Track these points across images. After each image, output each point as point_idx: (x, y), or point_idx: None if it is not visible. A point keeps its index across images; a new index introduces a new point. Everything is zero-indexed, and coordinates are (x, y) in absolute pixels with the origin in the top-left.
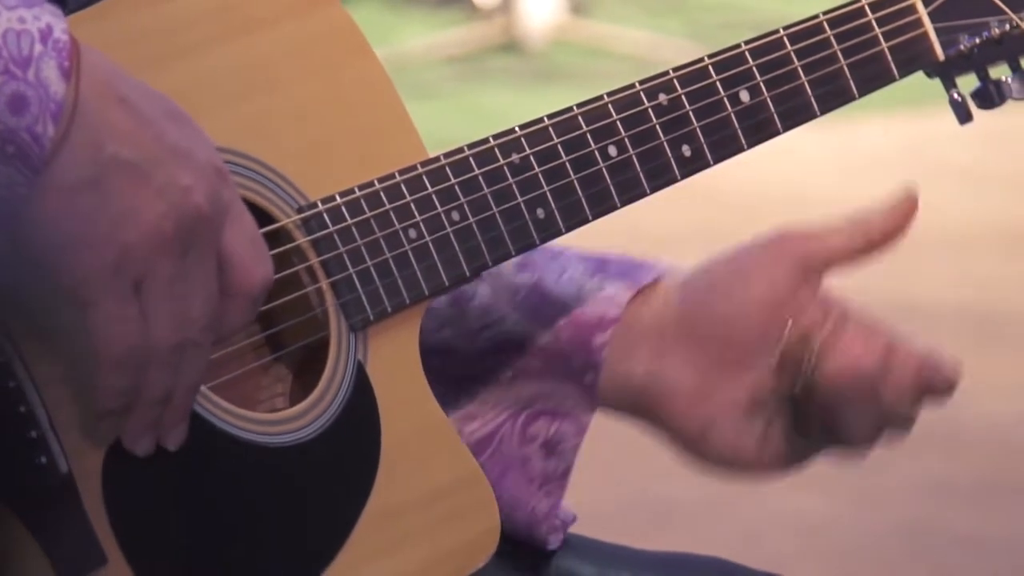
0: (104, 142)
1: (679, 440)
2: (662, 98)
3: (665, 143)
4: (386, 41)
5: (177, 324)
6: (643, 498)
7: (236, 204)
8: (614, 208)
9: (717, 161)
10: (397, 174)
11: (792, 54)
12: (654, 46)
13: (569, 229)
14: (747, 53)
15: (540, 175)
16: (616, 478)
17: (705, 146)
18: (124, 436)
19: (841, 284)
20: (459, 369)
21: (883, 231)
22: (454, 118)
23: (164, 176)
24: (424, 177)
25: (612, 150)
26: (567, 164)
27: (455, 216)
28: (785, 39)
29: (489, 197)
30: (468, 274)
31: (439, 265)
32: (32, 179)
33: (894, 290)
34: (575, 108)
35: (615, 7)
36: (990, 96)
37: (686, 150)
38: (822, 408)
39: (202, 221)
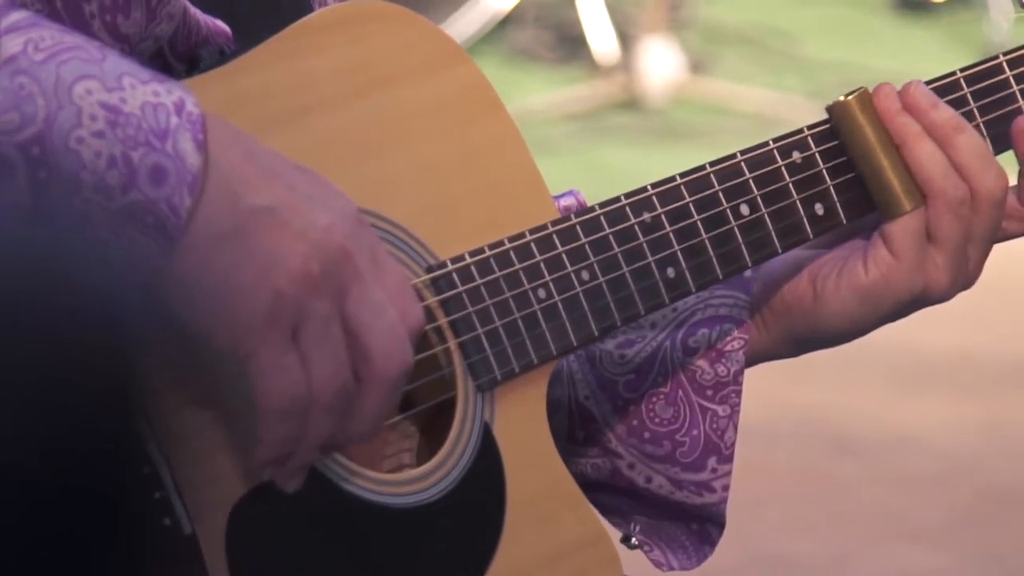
0: (239, 193)
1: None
2: (796, 156)
3: (798, 202)
4: (507, 98)
5: (339, 368)
6: (763, 554)
7: (378, 246)
8: (745, 268)
9: (849, 220)
10: (527, 233)
11: None
12: (773, 104)
13: (700, 289)
14: None
15: (671, 234)
16: (736, 533)
17: (838, 205)
18: (278, 477)
19: (953, 342)
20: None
21: None
22: (574, 175)
23: (302, 220)
24: (554, 236)
25: (744, 209)
26: (699, 223)
27: (585, 275)
28: None
29: (619, 256)
30: (597, 334)
31: (568, 325)
32: (168, 249)
33: (1008, 348)
34: (708, 166)
35: (734, 65)
36: None
37: (819, 209)
38: None
39: (349, 259)
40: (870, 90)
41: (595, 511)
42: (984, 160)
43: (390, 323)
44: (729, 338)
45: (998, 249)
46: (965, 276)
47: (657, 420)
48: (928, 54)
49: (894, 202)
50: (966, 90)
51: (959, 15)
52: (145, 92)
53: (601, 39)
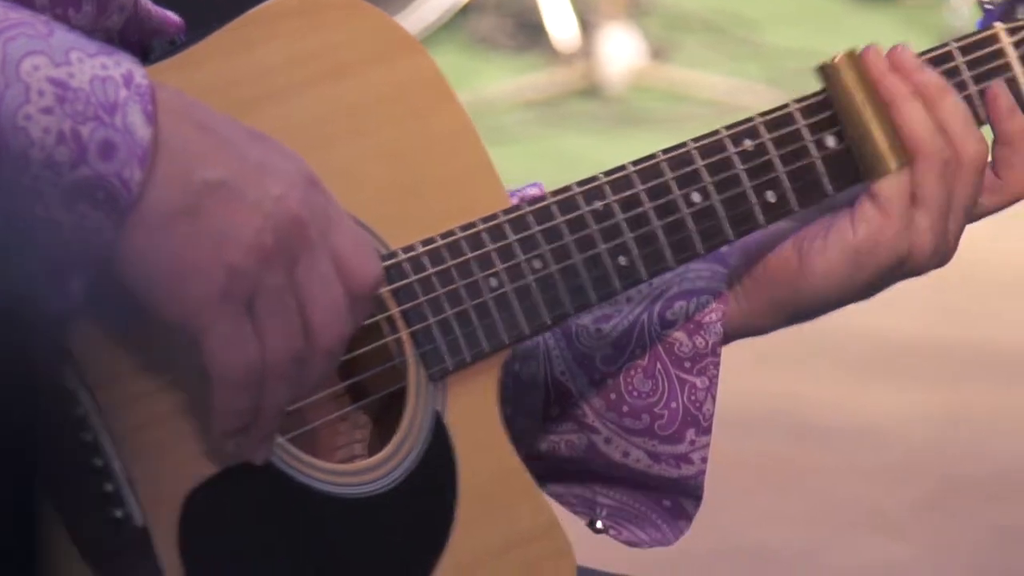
0: (191, 168)
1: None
2: (747, 144)
3: (750, 189)
4: (467, 86)
5: (293, 337)
6: (736, 545)
7: (333, 207)
8: (697, 255)
9: (802, 207)
10: (479, 222)
11: None
12: (733, 91)
13: (652, 276)
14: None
15: (623, 222)
16: (710, 523)
17: (790, 192)
18: (243, 449)
19: (920, 330)
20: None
21: None
22: (534, 162)
23: (255, 190)
24: (506, 225)
25: (696, 197)
26: (650, 211)
27: (537, 264)
28: None
29: (571, 245)
30: (549, 322)
31: (520, 314)
32: (120, 223)
33: (974, 336)
34: (659, 154)
35: (694, 52)
36: None
37: (770, 196)
38: None
39: (302, 228)
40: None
41: (548, 501)
42: (968, 124)
43: (333, 297)
44: (707, 309)
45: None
46: (945, 248)
47: (635, 393)
48: (888, 41)
49: (880, 160)
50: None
51: (919, 1)
52: (93, 65)
53: (561, 26)
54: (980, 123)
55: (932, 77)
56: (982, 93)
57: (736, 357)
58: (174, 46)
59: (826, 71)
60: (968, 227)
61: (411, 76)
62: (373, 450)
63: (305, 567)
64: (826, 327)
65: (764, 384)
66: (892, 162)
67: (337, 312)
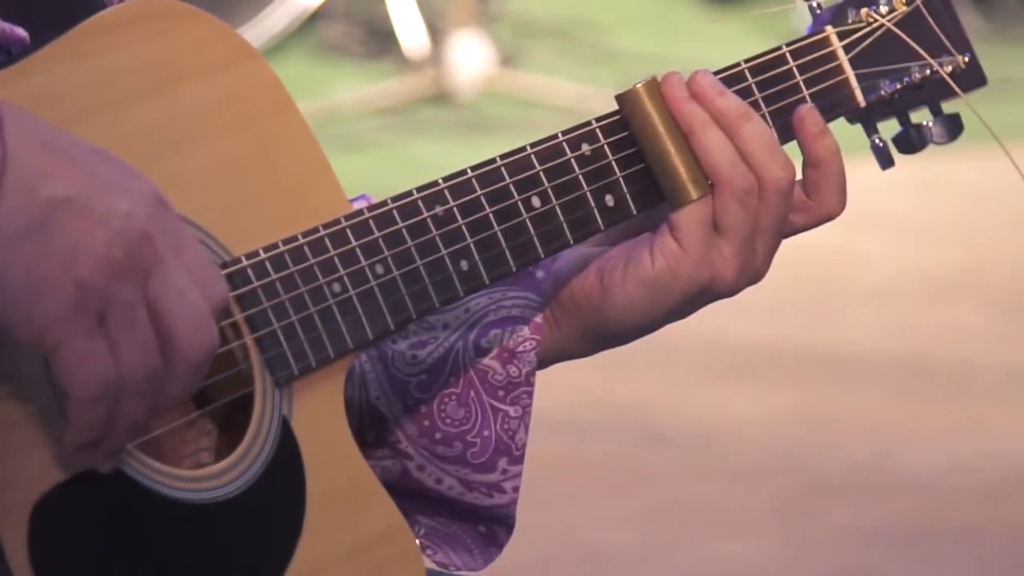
0: (38, 186)
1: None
2: (585, 148)
3: (588, 193)
4: (317, 93)
5: (147, 352)
6: (577, 547)
7: (181, 227)
8: (538, 259)
9: (640, 211)
10: (321, 228)
11: None
12: (584, 97)
13: (493, 280)
14: None
15: (464, 227)
16: (544, 525)
17: (628, 196)
18: (93, 460)
19: (765, 333)
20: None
21: None
22: (385, 170)
23: (103, 205)
24: (348, 231)
25: (536, 201)
26: (491, 216)
27: (379, 269)
28: None
29: (413, 250)
30: (393, 327)
31: (364, 319)
32: None
33: (820, 339)
34: (499, 159)
35: (545, 58)
36: (912, 141)
37: (609, 200)
38: None
39: (151, 242)
40: (659, 78)
41: (395, 506)
42: (770, 149)
43: (193, 305)
44: (521, 339)
45: (807, 240)
46: (753, 269)
47: (448, 421)
48: (739, 46)
49: (681, 190)
50: (751, 80)
51: (768, 6)
52: None
53: (411, 33)
54: (827, 120)
55: (732, 103)
56: (816, 96)
57: (583, 361)
58: (11, 56)
59: (625, 99)
60: (819, 230)
61: (249, 84)
62: (220, 457)
63: (154, 572)
64: (673, 331)
65: (611, 388)
66: (693, 192)
67: (200, 320)
